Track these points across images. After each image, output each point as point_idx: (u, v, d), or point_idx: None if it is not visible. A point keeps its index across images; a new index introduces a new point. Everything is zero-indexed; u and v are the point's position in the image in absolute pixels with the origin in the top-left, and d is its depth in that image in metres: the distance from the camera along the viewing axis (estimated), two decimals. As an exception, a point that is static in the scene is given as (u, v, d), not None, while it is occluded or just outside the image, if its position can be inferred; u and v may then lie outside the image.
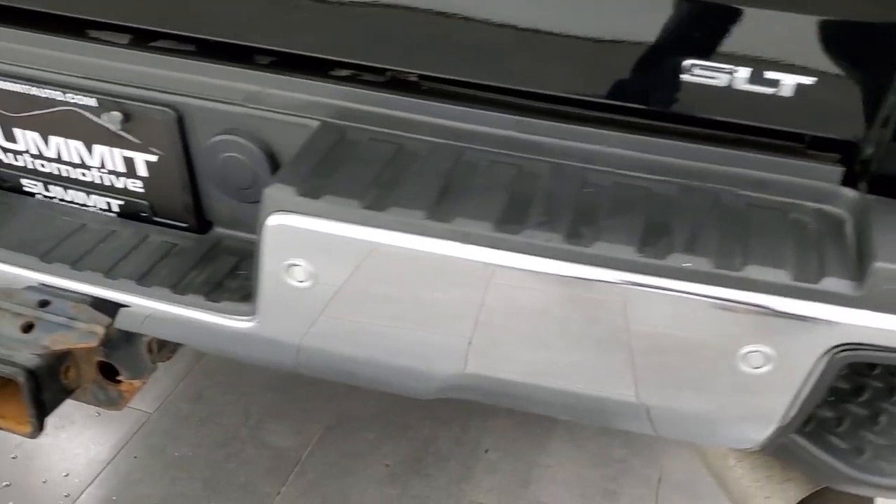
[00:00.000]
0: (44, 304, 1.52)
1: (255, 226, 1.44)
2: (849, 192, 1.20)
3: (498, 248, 1.15)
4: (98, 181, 1.56)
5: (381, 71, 1.38)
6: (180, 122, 1.43)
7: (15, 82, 1.48)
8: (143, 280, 1.43)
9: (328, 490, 2.38)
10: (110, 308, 1.48)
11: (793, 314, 1.09)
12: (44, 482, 2.37)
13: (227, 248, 1.52)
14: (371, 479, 2.42)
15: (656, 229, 1.15)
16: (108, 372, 1.67)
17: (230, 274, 1.46)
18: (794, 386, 1.14)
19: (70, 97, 1.46)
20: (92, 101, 1.45)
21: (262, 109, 1.38)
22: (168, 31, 1.42)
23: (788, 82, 1.12)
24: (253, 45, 1.39)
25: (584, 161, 1.28)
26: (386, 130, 1.34)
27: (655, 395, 1.21)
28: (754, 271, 1.10)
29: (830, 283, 1.08)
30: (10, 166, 1.60)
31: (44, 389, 1.51)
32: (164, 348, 1.63)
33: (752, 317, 1.11)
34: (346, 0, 1.30)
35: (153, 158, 1.49)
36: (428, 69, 1.33)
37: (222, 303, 1.39)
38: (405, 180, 1.24)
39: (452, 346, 1.23)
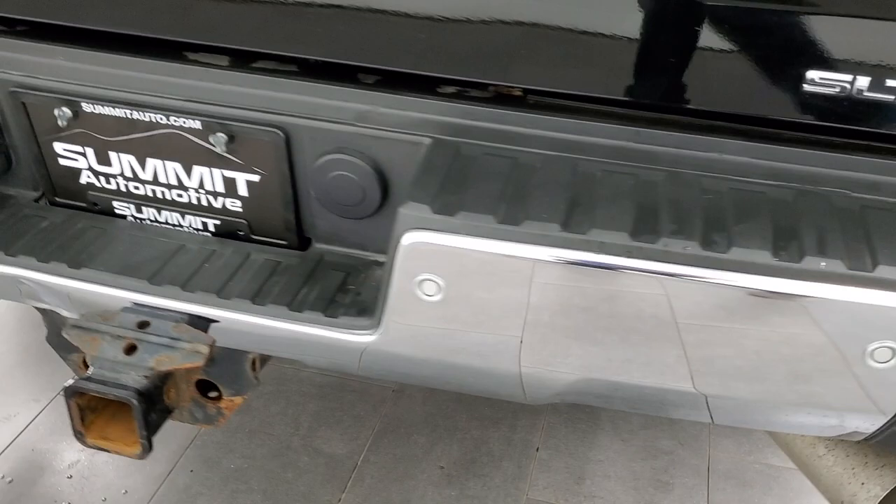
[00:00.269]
0: (143, 325, 1.54)
1: (356, 241, 1.49)
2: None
3: (635, 258, 1.19)
4: (195, 202, 1.57)
5: (485, 86, 1.41)
6: (287, 142, 1.45)
7: (115, 107, 1.49)
8: (257, 298, 1.45)
9: (388, 495, 2.41)
10: (212, 327, 1.50)
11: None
12: (104, 500, 2.37)
13: (330, 263, 1.55)
14: (428, 481, 2.46)
15: (784, 233, 1.20)
16: (204, 389, 1.69)
17: (341, 289, 1.49)
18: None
19: (174, 120, 1.47)
20: (197, 124, 1.47)
21: (373, 128, 1.41)
22: (272, 52, 1.44)
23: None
24: (360, 64, 1.42)
25: (697, 168, 1.32)
26: (498, 145, 1.37)
27: (786, 392, 1.26)
28: (886, 271, 1.15)
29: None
30: (102, 189, 1.61)
31: (151, 410, 1.53)
32: (265, 363, 1.66)
33: (884, 314, 1.17)
34: (456, 18, 1.33)
35: (255, 178, 1.51)
36: (538, 84, 1.37)
37: (340, 318, 1.42)
38: (530, 194, 1.28)
39: (586, 352, 1.27)
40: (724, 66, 1.26)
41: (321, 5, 1.38)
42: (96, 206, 1.64)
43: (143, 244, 1.58)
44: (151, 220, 1.63)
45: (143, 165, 1.55)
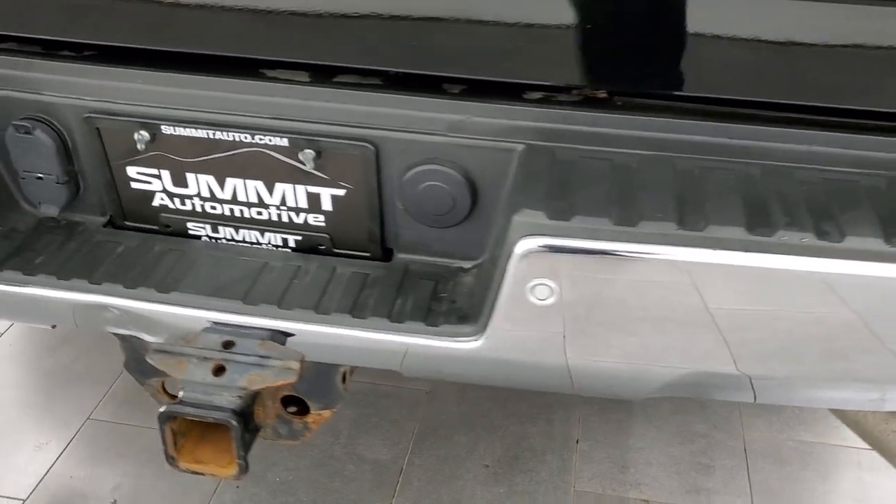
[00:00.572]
0: (228, 345, 1.53)
1: (441, 249, 1.51)
2: None
3: (753, 252, 1.23)
4: (275, 218, 1.57)
5: (571, 90, 1.44)
6: (377, 155, 1.46)
7: (197, 128, 1.48)
8: (355, 311, 1.46)
9: (438, 497, 2.43)
10: (304, 342, 1.50)
11: None
12: (153, 523, 2.35)
13: (416, 273, 1.56)
14: (475, 480, 2.48)
15: (890, 220, 1.25)
16: (285, 405, 1.69)
17: (434, 298, 1.50)
18: None
19: (260, 139, 1.47)
20: (283, 142, 1.47)
21: (465, 137, 1.42)
22: (359, 66, 1.45)
23: None
24: (447, 74, 1.43)
25: (789, 161, 1.36)
26: (590, 147, 1.40)
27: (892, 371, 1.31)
28: None
29: None
30: (176, 211, 1.60)
31: (246, 430, 1.53)
32: (352, 375, 1.66)
33: None
34: (544, 24, 1.35)
35: (341, 192, 1.51)
36: (626, 87, 1.40)
37: (441, 326, 1.43)
38: (635, 194, 1.30)
39: (704, 347, 1.30)
40: (813, 60, 1.30)
41: (406, 18, 1.39)
42: (169, 227, 1.62)
43: (224, 264, 1.57)
44: (228, 240, 1.62)
45: (221, 185, 1.55)
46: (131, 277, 1.52)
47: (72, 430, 2.63)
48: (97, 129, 1.52)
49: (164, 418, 1.51)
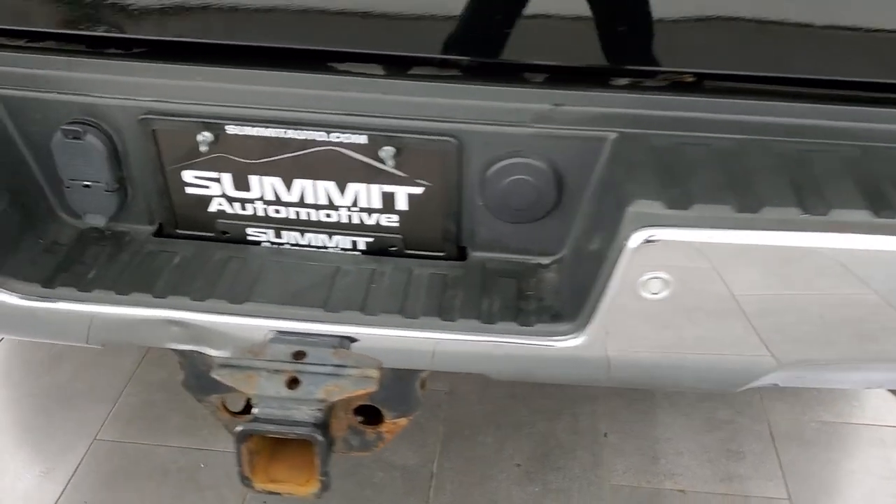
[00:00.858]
0: (299, 355, 1.45)
1: (518, 245, 1.45)
2: None
3: (882, 234, 1.19)
4: (345, 220, 1.49)
5: (656, 75, 1.39)
6: (459, 149, 1.39)
7: (266, 127, 1.39)
8: (444, 314, 1.39)
9: (473, 500, 2.37)
10: (384, 348, 1.43)
11: None
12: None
13: (495, 271, 1.49)
14: (509, 480, 2.43)
15: None
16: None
17: (520, 296, 1.44)
18: None
19: (335, 136, 1.39)
20: (362, 139, 1.38)
21: (554, 127, 1.36)
22: (434, 56, 1.38)
23: None
24: (532, 62, 1.37)
25: (889, 141, 1.34)
26: (685, 133, 1.35)
27: None
28: None
29: None
30: (235, 216, 1.51)
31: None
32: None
33: None
34: (630, 6, 1.30)
35: (418, 190, 1.44)
36: (719, 68, 1.36)
37: (535, 325, 1.37)
38: (746, 180, 1.26)
39: (826, 333, 1.27)
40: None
41: (484, 4, 1.33)
42: (226, 234, 1.53)
43: (293, 270, 1.48)
44: (292, 244, 1.53)
45: (288, 187, 1.46)
46: (197, 289, 1.42)
47: (78, 454, 2.49)
48: (153, 131, 1.41)
49: (242, 437, 1.42)
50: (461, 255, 1.51)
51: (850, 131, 1.33)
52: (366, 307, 1.40)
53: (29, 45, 1.41)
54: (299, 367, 1.45)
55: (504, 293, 1.44)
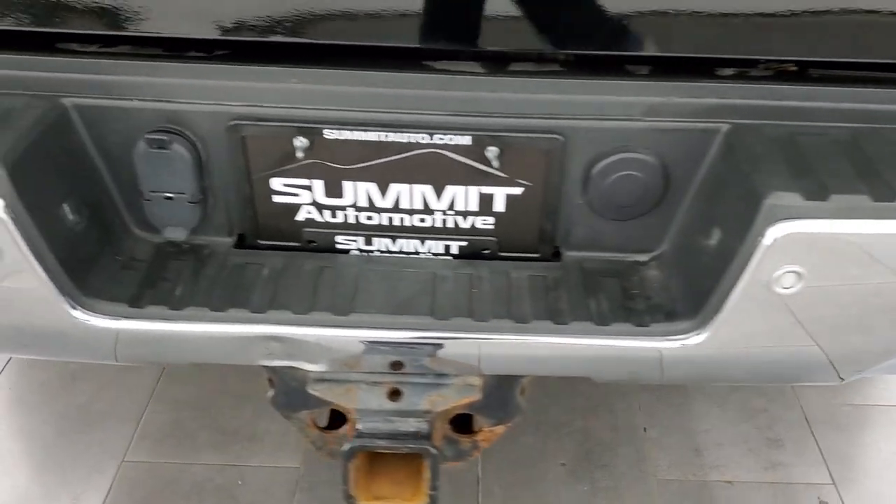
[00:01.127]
0: (397, 365, 1.40)
1: (614, 243, 1.42)
2: None
3: None
4: (440, 225, 1.44)
5: (758, 64, 1.37)
6: (564, 147, 1.35)
7: (366, 130, 1.33)
8: (557, 318, 1.35)
9: (523, 502, 2.33)
10: (488, 354, 1.39)
11: None
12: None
13: (594, 271, 1.46)
14: (556, 481, 2.40)
15: None
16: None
17: (626, 296, 1.40)
18: None
19: (439, 138, 1.33)
20: (466, 140, 1.33)
21: (664, 120, 1.33)
22: (537, 51, 1.33)
23: None
24: (634, 54, 1.33)
25: None
26: (798, 123, 1.33)
27: None
28: None
29: None
30: (324, 225, 1.45)
31: (434, 457, 1.41)
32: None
33: None
34: None
35: (517, 191, 1.40)
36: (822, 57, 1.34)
37: (651, 326, 1.34)
38: (871, 168, 1.24)
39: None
40: None
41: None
42: (313, 243, 1.46)
43: (390, 278, 1.43)
44: (383, 251, 1.47)
45: (383, 192, 1.40)
46: (295, 302, 1.35)
47: (107, 477, 2.39)
48: (242, 137, 1.34)
49: (350, 455, 1.36)
50: (556, 255, 1.47)
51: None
52: (473, 313, 1.35)
53: (103, 50, 1.33)
54: (399, 377, 1.40)
55: (609, 293, 1.40)
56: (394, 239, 1.45)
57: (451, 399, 1.39)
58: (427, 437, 1.36)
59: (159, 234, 1.44)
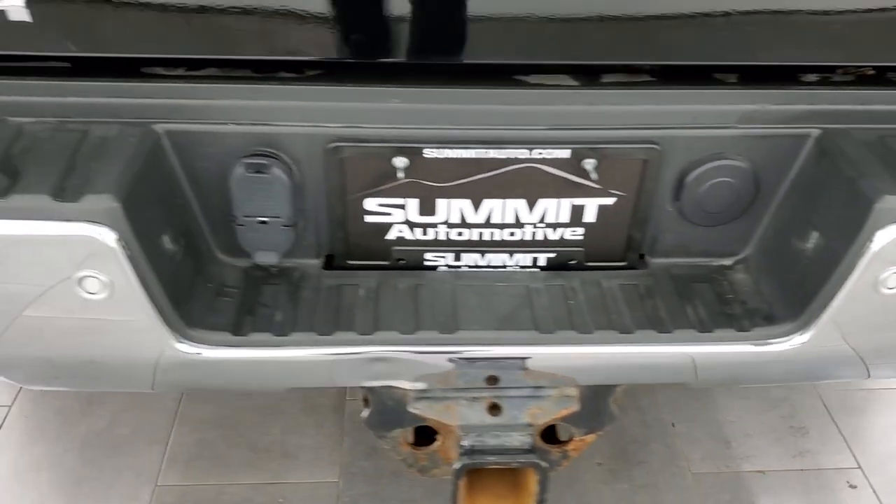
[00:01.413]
0: (492, 380, 1.41)
1: (700, 249, 1.44)
2: None
3: None
4: (529, 238, 1.44)
5: (838, 70, 1.40)
6: (660, 156, 1.36)
7: (467, 148, 1.33)
8: (660, 327, 1.36)
9: (566, 502, 2.35)
10: (582, 366, 1.40)
11: None
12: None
13: (681, 276, 1.48)
14: (596, 480, 2.42)
15: None
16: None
17: (719, 301, 1.43)
18: None
19: (538, 153, 1.34)
20: (565, 153, 1.34)
21: (757, 127, 1.35)
22: (628, 63, 1.34)
23: None
24: (724, 63, 1.36)
25: None
26: (883, 126, 1.36)
27: None
28: None
29: None
30: (414, 242, 1.44)
31: (537, 470, 1.42)
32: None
33: None
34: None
35: (609, 201, 1.41)
36: None
37: (753, 330, 1.37)
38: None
39: None
40: None
41: (675, 9, 1.30)
42: (401, 261, 1.46)
43: (486, 293, 1.43)
44: (471, 266, 1.47)
45: (476, 208, 1.40)
46: (400, 322, 1.35)
47: (143, 503, 2.33)
48: (341, 159, 1.32)
49: (462, 473, 1.35)
50: (641, 262, 1.48)
51: None
52: (576, 325, 1.35)
53: (194, 74, 1.30)
54: (496, 391, 1.40)
55: (703, 299, 1.43)
56: (483, 253, 1.45)
57: (551, 411, 1.40)
58: (531, 450, 1.37)
59: (247, 258, 1.41)
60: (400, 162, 1.31)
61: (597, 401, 1.46)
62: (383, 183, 1.35)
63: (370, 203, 1.38)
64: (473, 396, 1.40)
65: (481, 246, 1.44)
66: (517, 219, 1.41)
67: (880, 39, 1.36)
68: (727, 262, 1.48)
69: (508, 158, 1.33)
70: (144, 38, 1.24)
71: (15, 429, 2.53)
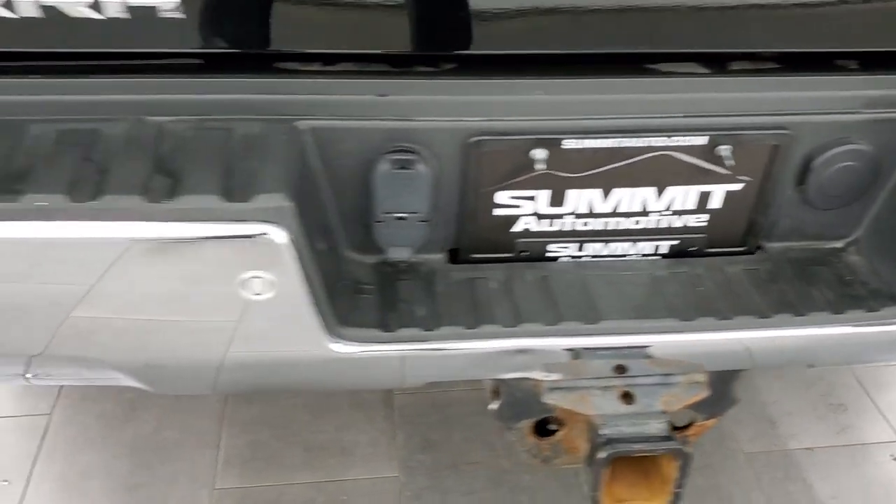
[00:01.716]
0: (621, 369, 1.42)
1: (814, 232, 1.48)
2: None
3: None
4: (653, 226, 1.46)
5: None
6: (790, 141, 1.39)
7: (604, 138, 1.34)
8: (795, 311, 1.39)
9: (627, 488, 2.37)
10: (709, 352, 1.42)
11: None
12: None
13: (799, 260, 1.51)
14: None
15: None
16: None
17: (841, 282, 1.46)
18: None
19: (675, 140, 1.35)
20: (702, 140, 1.36)
21: (881, 111, 1.39)
22: (755, 51, 1.36)
23: None
24: (841, 49, 1.38)
25: None
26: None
27: None
28: None
29: None
30: (538, 234, 1.44)
31: (674, 457, 1.44)
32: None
33: None
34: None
35: (736, 187, 1.43)
36: None
37: (882, 311, 1.40)
38: None
39: None
40: None
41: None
42: (524, 252, 1.46)
43: (614, 282, 1.44)
44: (593, 256, 1.48)
45: (605, 197, 1.41)
46: (540, 313, 1.35)
47: (203, 505, 2.30)
48: (481, 153, 1.32)
49: (607, 462, 1.36)
50: (759, 248, 1.51)
51: None
52: (714, 311, 1.37)
53: (335, 69, 1.28)
54: (626, 380, 1.41)
55: (826, 281, 1.46)
56: (606, 243, 1.46)
57: (683, 398, 1.42)
58: (668, 437, 1.38)
59: (376, 254, 1.40)
60: (538, 154, 1.31)
61: (723, 386, 1.48)
62: (518, 175, 1.35)
63: (501, 196, 1.38)
64: (605, 385, 1.41)
65: (606, 235, 1.45)
66: (644, 207, 1.42)
67: None
68: (839, 244, 1.52)
69: (645, 147, 1.34)
70: (299, 34, 1.22)
71: (59, 436, 2.47)
